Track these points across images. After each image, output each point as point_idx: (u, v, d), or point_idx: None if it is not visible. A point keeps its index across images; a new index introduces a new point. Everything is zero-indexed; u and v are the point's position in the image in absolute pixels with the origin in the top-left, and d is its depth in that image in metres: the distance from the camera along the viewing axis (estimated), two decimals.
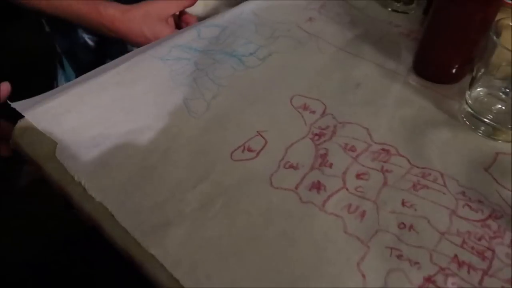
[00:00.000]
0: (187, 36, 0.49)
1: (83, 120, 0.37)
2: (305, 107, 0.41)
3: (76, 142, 0.35)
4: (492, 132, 0.39)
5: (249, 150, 0.37)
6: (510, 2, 0.45)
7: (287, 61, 0.47)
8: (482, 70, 0.39)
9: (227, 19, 0.53)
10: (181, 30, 0.52)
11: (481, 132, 0.39)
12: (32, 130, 0.36)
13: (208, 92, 0.42)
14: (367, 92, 0.44)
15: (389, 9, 0.60)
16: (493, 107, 0.39)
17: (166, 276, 0.27)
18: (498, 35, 0.37)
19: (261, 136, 0.38)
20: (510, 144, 0.38)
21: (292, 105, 0.41)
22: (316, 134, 0.38)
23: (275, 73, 0.45)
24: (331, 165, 0.35)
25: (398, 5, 0.60)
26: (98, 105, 0.39)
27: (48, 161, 0.34)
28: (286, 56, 0.48)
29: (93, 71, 0.43)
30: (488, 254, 0.29)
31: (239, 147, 0.37)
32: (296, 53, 0.49)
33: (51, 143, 0.35)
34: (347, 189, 0.33)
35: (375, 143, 0.38)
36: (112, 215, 0.30)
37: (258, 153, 0.36)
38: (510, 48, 0.35)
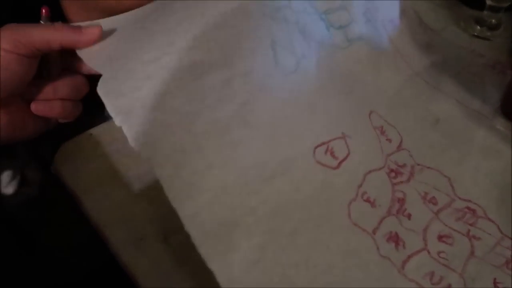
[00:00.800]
0: None
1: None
2: (382, 131, 0.36)
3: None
4: None
5: (332, 154, 0.31)
6: None
7: (370, 60, 0.40)
8: None
9: None
10: None
11: None
12: (74, 156, 0.33)
13: (298, 46, 0.34)
14: (447, 133, 0.38)
15: (471, 34, 0.54)
16: None
17: None
18: None
19: (345, 141, 0.32)
20: None
21: (370, 121, 0.36)
22: (392, 170, 0.33)
23: (357, 69, 0.39)
24: (409, 216, 0.30)
25: (481, 29, 0.54)
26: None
27: (87, 194, 0.30)
28: (370, 51, 0.41)
29: None
30: None
31: (324, 144, 0.31)
32: (378, 56, 0.42)
33: (92, 174, 0.32)
34: (428, 252, 0.28)
35: (459, 198, 0.32)
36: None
37: (339, 164, 0.31)
38: None
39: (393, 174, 0.33)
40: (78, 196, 0.31)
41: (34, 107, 0.30)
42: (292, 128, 0.30)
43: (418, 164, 0.34)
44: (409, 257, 0.28)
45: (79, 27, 0.29)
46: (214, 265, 0.23)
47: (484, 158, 0.36)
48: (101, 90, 0.26)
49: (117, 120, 0.25)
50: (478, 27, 0.54)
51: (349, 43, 0.39)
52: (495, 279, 0.28)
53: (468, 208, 0.32)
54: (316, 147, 0.30)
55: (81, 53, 0.29)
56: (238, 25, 0.31)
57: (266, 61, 0.31)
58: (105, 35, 0.30)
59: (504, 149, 0.38)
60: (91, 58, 0.29)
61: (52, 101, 0.31)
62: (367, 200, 0.30)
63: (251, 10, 0.32)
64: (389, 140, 0.36)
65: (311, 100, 0.32)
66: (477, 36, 0.54)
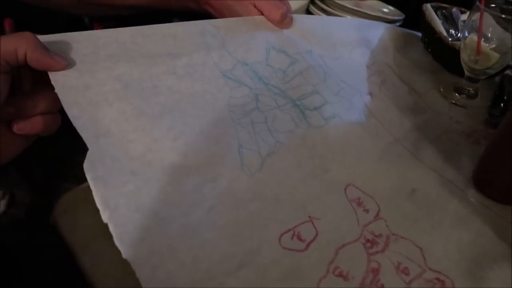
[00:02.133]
0: (256, 54, 0.44)
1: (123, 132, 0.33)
2: (359, 203, 0.39)
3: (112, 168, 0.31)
4: None
5: (299, 238, 0.34)
6: None
7: (348, 135, 0.45)
8: None
9: (297, 51, 0.48)
10: (251, 37, 0.46)
11: None
12: (73, 208, 0.35)
13: (264, 145, 0.39)
14: (422, 202, 0.41)
15: (450, 101, 0.59)
16: None
17: None
18: None
19: (313, 224, 0.35)
20: None
21: (346, 195, 0.39)
22: (368, 240, 0.36)
23: (336, 146, 0.43)
24: (382, 287, 0.33)
25: (459, 97, 0.59)
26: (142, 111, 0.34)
27: (83, 248, 0.33)
28: (348, 127, 0.46)
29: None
30: None
31: (289, 230, 0.34)
32: (357, 128, 0.46)
33: (90, 229, 0.34)
34: None
35: (430, 269, 0.35)
36: None
37: (308, 245, 0.34)
38: None
39: (369, 244, 0.36)
40: (74, 251, 0.33)
41: (16, 127, 0.30)
42: (257, 221, 0.34)
43: (394, 234, 0.37)
44: None
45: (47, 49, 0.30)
46: None
47: (455, 229, 0.39)
48: (88, 172, 0.30)
49: (104, 216, 0.29)
50: (457, 95, 0.59)
51: (325, 121, 0.44)
52: None
53: (437, 279, 0.34)
54: (281, 235, 0.34)
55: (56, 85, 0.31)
56: (211, 132, 0.37)
57: (233, 165, 0.36)
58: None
59: (474, 221, 0.40)
60: (64, 93, 0.31)
61: (33, 118, 0.30)
62: (339, 275, 0.32)
63: (222, 117, 0.38)
64: (367, 211, 0.39)
65: (276, 192, 0.37)
66: (455, 104, 0.58)
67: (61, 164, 0.45)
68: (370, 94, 0.54)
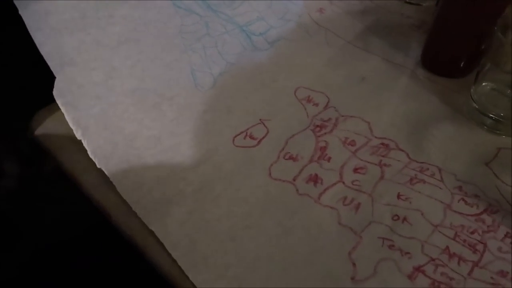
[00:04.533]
0: None
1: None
2: (308, 99, 0.42)
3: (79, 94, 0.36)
4: (495, 127, 0.39)
5: (251, 137, 0.38)
6: None
7: (295, 51, 0.48)
8: (488, 65, 0.39)
9: None
10: None
11: (485, 127, 0.39)
12: (49, 120, 0.39)
13: (215, 66, 0.44)
14: (372, 86, 0.44)
15: (403, 0, 0.60)
16: (497, 102, 0.39)
17: (168, 261, 0.29)
18: (505, 29, 0.37)
19: (264, 124, 0.39)
20: (508, 139, 0.38)
21: (296, 96, 0.42)
22: (317, 126, 0.39)
23: (282, 61, 0.46)
24: (329, 159, 0.36)
25: None
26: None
27: (62, 151, 0.36)
28: (294, 45, 0.49)
29: None
30: (480, 247, 0.30)
31: (242, 132, 0.38)
32: (304, 44, 0.49)
33: (66, 133, 0.37)
34: (343, 183, 0.34)
35: (375, 137, 0.38)
36: (122, 203, 0.32)
37: (259, 141, 0.38)
38: None
39: (318, 129, 0.39)
40: (53, 152, 0.37)
41: None
42: (212, 128, 0.38)
43: (342, 116, 0.40)
44: (326, 189, 0.34)
45: None
46: (154, 226, 0.31)
47: (403, 102, 0.42)
48: (58, 97, 0.35)
49: (77, 134, 0.34)
50: None
51: (270, 45, 0.47)
52: (399, 193, 0.33)
53: (382, 143, 0.38)
54: (235, 137, 0.38)
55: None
56: (165, 58, 0.41)
57: (187, 85, 0.41)
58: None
59: (421, 93, 0.43)
60: (28, 16, 0.36)
61: None
62: (289, 158, 0.36)
63: (174, 44, 0.42)
64: (316, 104, 0.42)
65: (228, 104, 0.41)
66: (410, 3, 0.59)
67: None
68: (321, 10, 0.56)
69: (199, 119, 0.39)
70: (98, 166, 0.34)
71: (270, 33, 0.49)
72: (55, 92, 0.35)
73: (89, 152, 0.34)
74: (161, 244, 0.30)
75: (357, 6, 0.58)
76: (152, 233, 0.30)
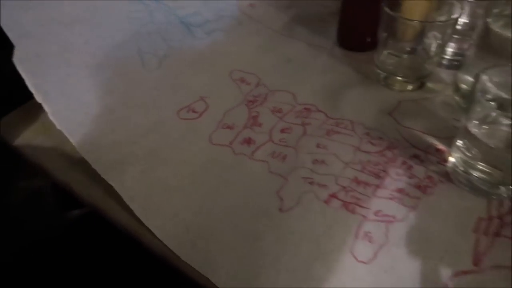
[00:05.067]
0: None
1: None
2: (242, 80, 0.49)
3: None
4: (390, 83, 0.46)
5: (193, 111, 0.44)
6: None
7: (229, 40, 0.55)
8: (385, 35, 0.46)
9: None
10: None
11: (383, 83, 0.47)
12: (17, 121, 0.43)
13: (160, 50, 0.50)
14: (296, 65, 0.51)
15: None
16: (394, 64, 0.47)
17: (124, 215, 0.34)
18: (394, 5, 0.44)
19: (204, 101, 0.45)
20: (410, 94, 0.46)
21: (231, 78, 0.49)
22: (250, 101, 0.46)
23: (219, 48, 0.53)
24: (260, 125, 0.43)
25: None
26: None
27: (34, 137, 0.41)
28: (228, 35, 0.56)
29: None
30: (382, 174, 0.37)
31: (185, 107, 0.44)
32: (237, 34, 0.56)
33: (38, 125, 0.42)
34: (272, 141, 0.41)
35: (299, 104, 0.45)
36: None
37: (201, 114, 0.43)
38: (406, 15, 0.42)
39: (250, 104, 0.45)
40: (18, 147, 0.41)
41: None
42: (158, 103, 0.44)
43: (271, 90, 0.47)
44: (258, 148, 0.40)
45: None
46: (112, 182, 0.36)
47: (322, 75, 0.49)
48: (18, 65, 0.40)
49: (38, 98, 0.40)
50: None
51: (207, 35, 0.54)
52: (318, 143, 0.40)
53: (305, 108, 0.44)
54: (179, 111, 0.44)
55: None
56: (115, 38, 0.48)
57: (136, 65, 0.48)
58: None
59: (338, 66, 0.50)
60: None
61: None
62: (227, 127, 0.42)
63: (122, 28, 0.48)
64: (249, 84, 0.48)
65: (172, 83, 0.47)
66: None
67: None
68: (252, 5, 0.64)
69: (147, 95, 0.45)
70: (58, 127, 0.38)
71: (207, 25, 0.56)
72: (15, 60, 0.40)
73: (49, 114, 0.39)
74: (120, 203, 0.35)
75: (284, 1, 0.65)
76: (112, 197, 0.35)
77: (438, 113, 0.43)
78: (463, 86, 0.43)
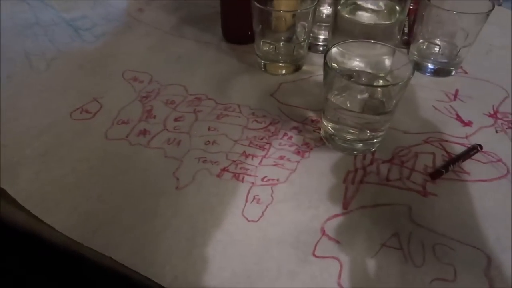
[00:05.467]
0: None
1: None
2: (134, 79, 0.51)
3: None
4: (270, 69, 0.52)
5: (87, 111, 0.45)
6: None
7: (119, 42, 0.56)
8: (260, 27, 0.51)
9: None
10: None
11: (264, 70, 0.52)
12: None
13: (48, 52, 0.51)
14: (186, 61, 0.54)
15: None
16: (267, 49, 0.52)
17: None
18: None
19: (97, 101, 0.46)
20: (288, 77, 0.51)
21: (123, 77, 0.50)
22: (144, 97, 0.48)
23: (109, 50, 0.54)
24: (154, 117, 0.45)
25: None
26: None
27: None
28: (118, 38, 0.57)
29: None
30: (267, 146, 0.41)
31: (78, 109, 0.45)
32: (127, 36, 0.58)
33: None
34: (167, 130, 0.43)
35: (190, 95, 0.48)
36: None
37: (94, 114, 0.45)
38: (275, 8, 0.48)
39: (144, 99, 0.47)
40: None
41: None
42: (50, 105, 0.45)
43: (163, 85, 0.50)
44: (153, 137, 0.42)
45: None
46: (5, 185, 0.35)
47: (211, 67, 0.53)
48: None
49: None
50: None
51: (96, 39, 0.55)
52: (209, 126, 0.44)
53: (196, 98, 0.48)
54: (71, 112, 0.44)
55: None
56: None
57: (23, 67, 0.48)
58: None
59: (225, 58, 0.55)
60: None
61: None
62: (122, 123, 0.44)
63: (7, 29, 0.47)
64: (142, 82, 0.50)
65: (63, 85, 0.48)
66: None
67: None
68: (140, 10, 0.66)
69: (37, 97, 0.45)
70: None
71: (95, 29, 0.57)
72: None
73: None
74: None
75: (172, 4, 0.68)
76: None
77: (312, 91, 0.49)
78: None
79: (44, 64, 0.48)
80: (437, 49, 0.52)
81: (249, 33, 0.57)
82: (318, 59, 0.55)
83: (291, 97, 0.48)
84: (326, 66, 0.37)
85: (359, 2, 0.47)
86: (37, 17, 0.53)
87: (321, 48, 0.56)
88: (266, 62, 0.52)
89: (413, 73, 0.35)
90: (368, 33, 0.44)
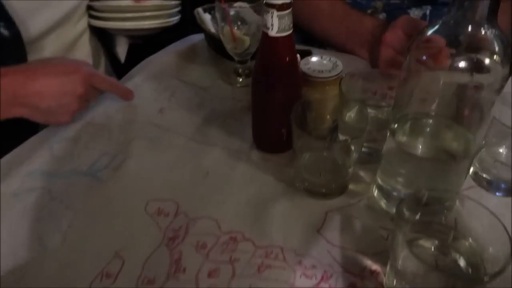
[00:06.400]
0: (39, 159, 0.50)
1: None
2: (159, 212, 0.44)
3: None
4: (313, 191, 0.45)
5: (108, 276, 0.38)
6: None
7: (141, 165, 0.50)
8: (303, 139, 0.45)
9: (78, 128, 0.55)
10: (32, 149, 0.52)
11: (305, 192, 0.45)
12: None
13: (64, 220, 0.43)
14: (215, 179, 0.48)
15: (235, 85, 0.66)
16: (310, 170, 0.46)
17: None
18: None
19: (119, 256, 0.40)
20: (333, 201, 0.45)
21: (146, 212, 0.44)
22: (170, 238, 0.41)
23: (129, 181, 0.48)
24: (184, 270, 0.38)
25: (240, 80, 0.67)
26: None
27: None
28: (140, 159, 0.51)
29: None
30: None
31: (98, 275, 0.38)
32: (149, 154, 0.52)
33: None
34: None
35: (223, 233, 0.42)
36: None
37: (116, 277, 0.38)
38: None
39: (171, 242, 0.41)
40: None
41: None
42: (67, 282, 0.38)
43: (192, 219, 0.43)
44: None
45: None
46: None
47: (243, 190, 0.46)
48: None
49: None
50: (238, 78, 0.67)
51: (114, 172, 0.49)
52: (250, 284, 0.37)
53: (231, 237, 0.41)
54: (92, 282, 0.38)
55: None
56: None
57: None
58: None
59: (258, 175, 0.48)
60: None
61: None
62: (148, 282, 0.37)
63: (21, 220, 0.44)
64: (166, 215, 0.44)
65: (80, 250, 0.41)
66: (241, 86, 0.66)
67: None
68: (161, 110, 0.60)
69: (57, 269, 0.39)
70: None
71: (114, 161, 0.51)
72: None
73: None
74: None
75: (194, 99, 0.63)
76: None
77: (365, 223, 0.42)
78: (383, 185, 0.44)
79: (58, 239, 0.42)
80: None
81: (283, 140, 0.50)
82: (363, 173, 0.48)
83: (341, 233, 0.41)
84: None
85: None
86: (50, 193, 0.46)
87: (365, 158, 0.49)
88: (307, 184, 0.46)
89: None
90: None
